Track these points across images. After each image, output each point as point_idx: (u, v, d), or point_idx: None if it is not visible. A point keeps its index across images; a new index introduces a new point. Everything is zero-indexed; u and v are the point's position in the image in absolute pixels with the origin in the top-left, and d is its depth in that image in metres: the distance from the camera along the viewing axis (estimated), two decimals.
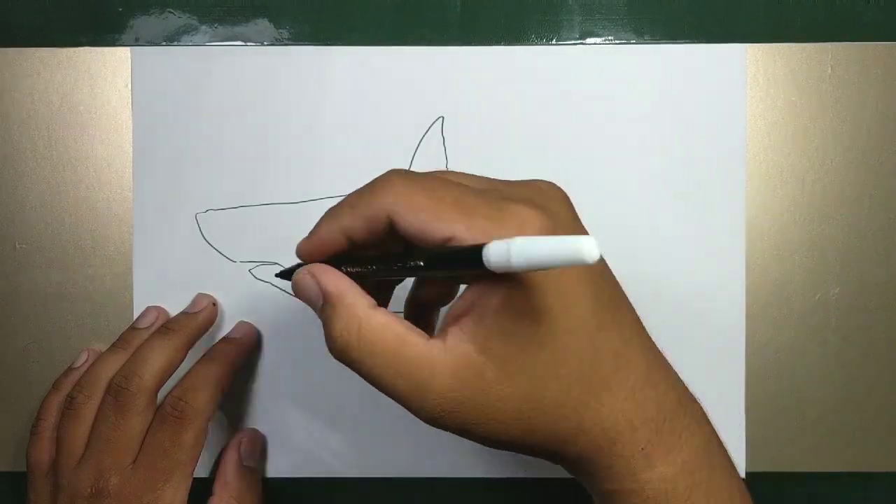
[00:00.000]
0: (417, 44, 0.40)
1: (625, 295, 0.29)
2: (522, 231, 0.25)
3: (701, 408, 0.30)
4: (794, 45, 0.39)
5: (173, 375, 0.37)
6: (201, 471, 0.39)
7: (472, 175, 0.28)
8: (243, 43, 0.40)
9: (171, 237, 0.40)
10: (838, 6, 0.40)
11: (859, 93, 0.39)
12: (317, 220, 0.29)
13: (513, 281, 0.25)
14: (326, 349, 0.28)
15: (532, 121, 0.39)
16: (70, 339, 0.40)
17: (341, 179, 0.39)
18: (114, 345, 0.38)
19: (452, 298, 0.32)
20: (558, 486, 0.40)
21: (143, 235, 0.40)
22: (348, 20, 0.40)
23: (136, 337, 0.38)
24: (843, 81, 0.40)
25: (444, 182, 0.27)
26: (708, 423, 0.30)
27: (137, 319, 0.39)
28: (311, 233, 0.28)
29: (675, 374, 0.30)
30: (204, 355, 0.38)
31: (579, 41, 0.40)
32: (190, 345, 0.38)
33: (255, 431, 0.40)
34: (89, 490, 0.35)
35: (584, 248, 0.21)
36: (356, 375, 0.40)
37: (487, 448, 0.40)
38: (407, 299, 0.32)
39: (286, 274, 0.31)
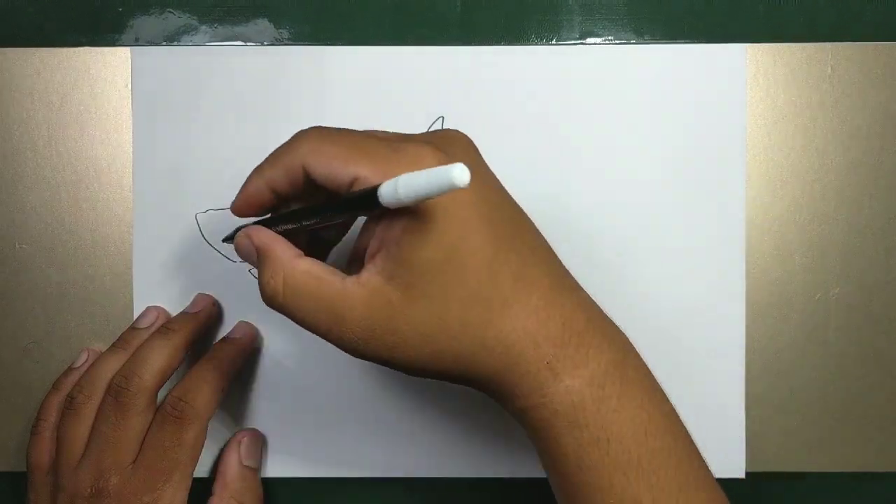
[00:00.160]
0: (417, 44, 0.40)
1: (529, 224, 0.31)
2: (417, 167, 0.26)
3: (619, 332, 0.31)
4: (794, 45, 0.39)
5: (173, 375, 0.37)
6: (201, 471, 0.39)
7: (392, 132, 0.31)
8: (243, 43, 0.40)
9: (171, 237, 0.40)
10: (838, 6, 0.40)
11: (859, 93, 0.39)
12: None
13: (411, 213, 0.27)
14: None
15: (532, 121, 0.39)
16: (70, 339, 0.40)
17: None
18: (114, 345, 0.38)
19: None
20: None
21: (143, 235, 0.40)
22: (348, 20, 0.40)
23: (136, 337, 0.38)
24: (843, 81, 0.40)
25: (353, 132, 0.30)
26: (623, 343, 0.31)
27: (137, 319, 0.39)
28: (240, 189, 0.31)
29: (588, 298, 0.31)
30: (204, 355, 0.38)
31: (579, 41, 0.40)
32: (190, 345, 0.38)
33: (255, 431, 0.40)
34: (89, 490, 0.35)
35: (456, 174, 0.24)
36: (356, 376, 0.40)
37: (487, 448, 0.40)
38: (350, 250, 0.33)
39: (229, 238, 0.35)
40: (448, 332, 0.28)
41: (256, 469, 0.39)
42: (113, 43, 0.40)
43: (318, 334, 0.30)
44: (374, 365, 0.40)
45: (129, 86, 0.40)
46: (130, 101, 0.40)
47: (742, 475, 0.39)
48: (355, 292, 0.29)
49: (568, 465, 0.29)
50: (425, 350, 0.29)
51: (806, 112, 0.40)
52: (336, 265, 0.31)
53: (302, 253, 0.30)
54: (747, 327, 0.39)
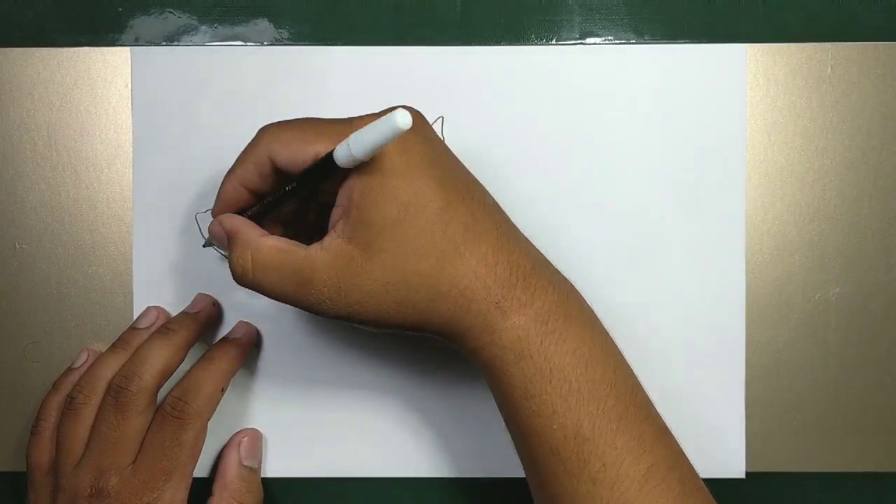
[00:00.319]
0: (417, 44, 0.40)
1: (478, 185, 0.34)
2: None
3: (563, 278, 0.34)
4: (794, 45, 0.39)
5: (173, 375, 0.37)
6: (201, 471, 0.39)
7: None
8: (243, 43, 0.40)
9: (171, 237, 0.40)
10: (838, 6, 0.40)
11: (859, 93, 0.39)
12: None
13: (367, 179, 0.30)
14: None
15: (532, 121, 0.39)
16: (70, 339, 0.40)
17: None
18: (114, 345, 0.38)
19: None
20: None
21: (143, 235, 0.40)
22: (348, 20, 0.40)
23: (136, 337, 0.38)
24: (843, 81, 0.40)
25: (309, 118, 0.33)
26: (567, 287, 0.34)
27: (137, 319, 0.39)
28: (217, 194, 0.34)
29: (535, 248, 0.34)
30: (204, 355, 0.38)
31: (579, 41, 0.40)
32: (190, 345, 0.38)
33: (255, 431, 0.40)
34: (89, 490, 0.35)
35: (398, 118, 0.27)
36: (356, 376, 0.40)
37: (487, 448, 0.40)
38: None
39: (209, 243, 0.38)
40: (407, 283, 0.31)
41: (256, 469, 0.39)
42: (113, 43, 0.40)
43: (287, 302, 0.32)
44: (374, 365, 0.40)
45: (129, 86, 0.40)
46: (130, 101, 0.40)
47: (742, 475, 0.39)
48: (319, 256, 0.31)
49: (515, 394, 0.32)
50: (387, 301, 0.31)
51: (806, 112, 0.40)
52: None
53: (266, 233, 0.33)
54: (747, 327, 0.39)
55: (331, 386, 0.40)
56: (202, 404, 0.36)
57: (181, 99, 0.40)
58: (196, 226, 0.40)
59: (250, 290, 0.33)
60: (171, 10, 0.40)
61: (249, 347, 0.39)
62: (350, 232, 0.31)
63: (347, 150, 0.29)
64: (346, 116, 0.33)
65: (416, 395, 0.40)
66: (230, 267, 0.32)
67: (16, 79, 0.40)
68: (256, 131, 0.33)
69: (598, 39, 0.40)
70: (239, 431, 0.40)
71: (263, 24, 0.40)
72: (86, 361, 0.39)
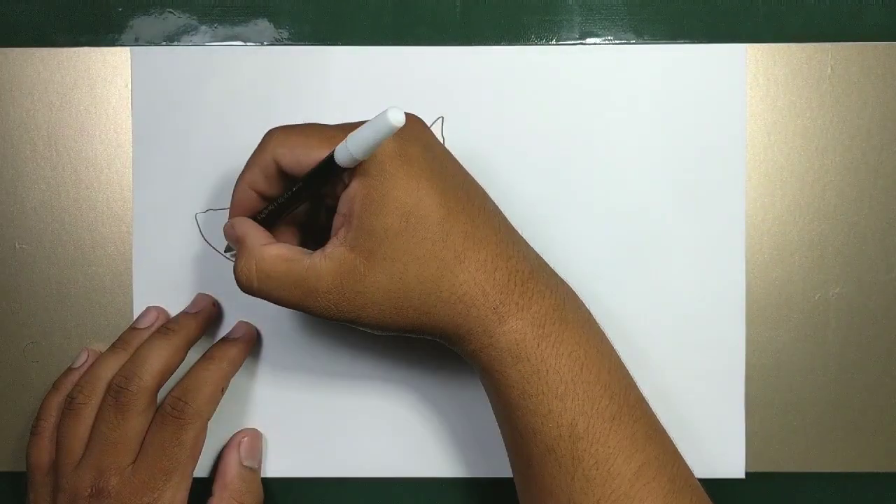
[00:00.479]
0: (417, 44, 0.40)
1: (479, 191, 0.34)
2: None
3: (561, 282, 0.34)
4: (794, 45, 0.39)
5: (173, 375, 0.37)
6: (201, 471, 0.39)
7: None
8: (243, 43, 0.40)
9: (171, 237, 0.40)
10: (838, 6, 0.40)
11: (859, 93, 0.39)
12: None
13: (369, 188, 0.31)
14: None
15: (532, 121, 0.39)
16: (70, 339, 0.40)
17: None
18: (114, 345, 0.38)
19: None
20: None
21: (143, 235, 0.40)
22: (348, 20, 0.40)
23: (136, 337, 0.38)
24: (843, 81, 0.40)
25: (314, 124, 0.34)
26: (564, 291, 0.34)
27: (137, 319, 0.39)
28: (231, 199, 0.35)
29: (534, 253, 0.34)
30: (204, 355, 0.38)
31: (579, 41, 0.40)
32: (190, 345, 0.38)
33: (255, 431, 0.40)
34: (89, 490, 0.35)
35: (391, 116, 0.27)
36: (357, 376, 0.40)
37: (487, 448, 0.40)
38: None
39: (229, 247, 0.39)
40: (408, 290, 0.32)
41: (256, 469, 0.39)
42: (113, 43, 0.40)
43: (291, 308, 0.33)
44: (374, 365, 0.40)
45: (129, 86, 0.40)
46: (130, 101, 0.40)
47: (742, 475, 0.39)
48: (323, 265, 0.32)
49: (512, 394, 0.32)
50: (389, 307, 0.32)
51: (806, 112, 0.40)
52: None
53: (273, 239, 0.34)
54: (747, 327, 0.39)
55: (331, 386, 0.40)
56: (202, 404, 0.36)
57: (181, 99, 0.40)
58: (196, 226, 0.40)
59: None
60: (171, 10, 0.40)
61: (249, 347, 0.39)
62: (352, 240, 0.31)
63: (346, 149, 0.30)
64: (347, 119, 0.34)
65: (416, 395, 0.40)
66: (235, 276, 0.33)
67: (16, 79, 0.40)
68: (263, 135, 0.34)
69: (598, 39, 0.40)
70: (239, 431, 0.40)
71: (263, 24, 0.40)
72: (86, 361, 0.39)
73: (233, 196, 0.35)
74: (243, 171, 0.34)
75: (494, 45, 0.40)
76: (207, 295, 0.40)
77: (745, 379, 0.39)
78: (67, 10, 0.40)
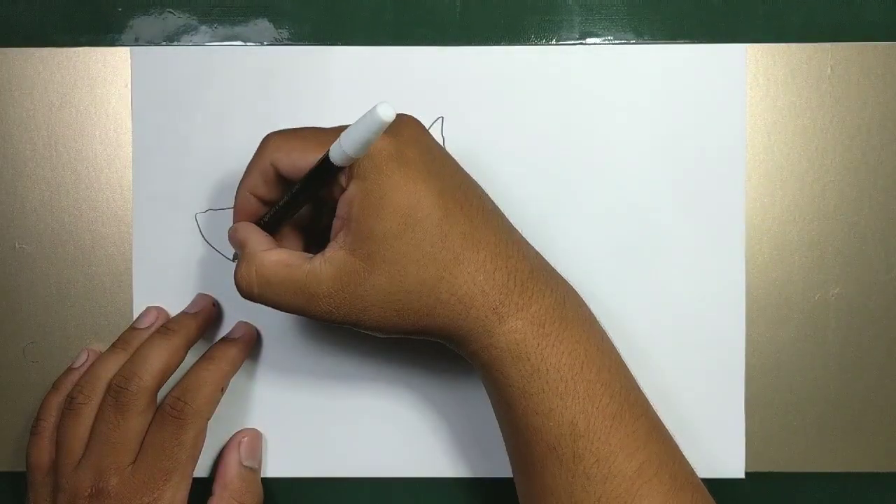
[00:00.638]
0: (417, 44, 0.40)
1: (478, 191, 0.34)
2: None
3: (561, 280, 0.34)
4: (794, 45, 0.39)
5: (173, 375, 0.37)
6: (201, 471, 0.39)
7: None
8: (243, 43, 0.40)
9: (171, 237, 0.40)
10: (838, 6, 0.40)
11: (859, 93, 0.39)
12: None
13: (366, 191, 0.31)
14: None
15: (532, 121, 0.39)
16: (70, 339, 0.40)
17: None
18: (114, 345, 0.38)
19: None
20: None
21: (143, 235, 0.40)
22: (348, 20, 0.40)
23: (135, 337, 0.38)
24: (843, 81, 0.40)
25: (310, 128, 0.34)
26: (564, 289, 0.34)
27: (137, 319, 0.39)
28: (234, 206, 0.35)
29: (533, 252, 0.34)
30: (204, 355, 0.38)
31: (579, 41, 0.40)
32: (190, 345, 0.38)
33: (255, 431, 0.40)
34: (89, 490, 0.35)
35: (380, 111, 0.28)
36: (357, 376, 0.40)
37: (488, 448, 0.40)
38: None
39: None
40: (408, 292, 0.32)
41: (256, 469, 0.39)
42: (113, 43, 0.40)
43: (296, 313, 0.33)
44: (374, 365, 0.40)
45: (129, 86, 0.40)
46: (130, 101, 0.40)
47: (742, 475, 0.39)
48: (323, 269, 0.32)
49: (512, 393, 0.32)
50: (389, 310, 0.32)
51: (806, 112, 0.40)
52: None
53: (273, 244, 0.34)
54: (747, 327, 0.39)
55: (331, 386, 0.40)
56: (202, 404, 0.36)
57: (181, 99, 0.40)
58: (196, 226, 0.40)
59: None
60: (171, 10, 0.40)
61: (249, 347, 0.39)
62: (351, 244, 0.32)
63: (340, 147, 0.30)
64: (348, 119, 0.33)
65: (416, 395, 0.40)
66: (235, 282, 0.33)
67: (16, 79, 0.40)
68: (262, 138, 0.34)
69: (598, 39, 0.40)
70: (239, 431, 0.40)
71: (263, 24, 0.40)
72: (86, 361, 0.39)
73: (235, 202, 0.35)
74: (243, 177, 0.35)
75: (494, 45, 0.40)
76: (207, 295, 0.40)
77: (745, 379, 0.39)
78: (67, 10, 0.40)
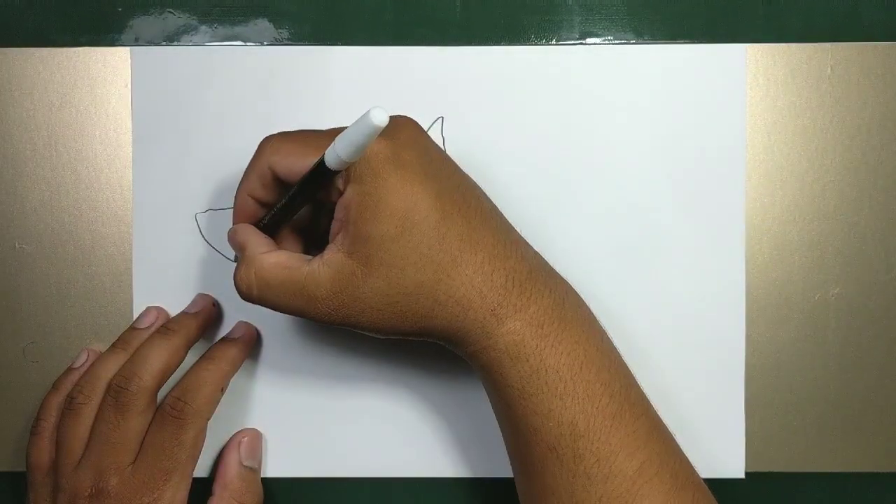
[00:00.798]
0: (417, 44, 0.40)
1: (476, 192, 0.34)
2: None
3: (560, 280, 0.34)
4: (794, 45, 0.39)
5: (173, 375, 0.37)
6: (201, 471, 0.39)
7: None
8: (243, 43, 0.40)
9: (171, 237, 0.40)
10: (838, 6, 0.40)
11: (859, 93, 0.39)
12: None
13: (364, 194, 0.31)
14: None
15: (532, 121, 0.39)
16: (70, 339, 0.40)
17: None
18: (114, 345, 0.38)
19: None
20: None
21: (143, 235, 0.40)
22: (348, 20, 0.40)
23: (135, 337, 0.38)
24: (843, 81, 0.40)
25: (307, 131, 0.34)
26: (563, 289, 0.34)
27: (137, 319, 0.39)
28: (233, 208, 0.35)
29: (532, 252, 0.34)
30: (204, 355, 0.38)
31: (579, 41, 0.40)
32: (190, 345, 0.38)
33: (255, 431, 0.40)
34: (89, 490, 0.35)
35: (373, 115, 0.28)
36: (356, 376, 0.40)
37: (488, 448, 0.40)
38: None
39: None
40: (406, 294, 0.32)
41: (256, 469, 0.39)
42: (113, 43, 0.40)
43: (295, 315, 0.33)
44: (374, 365, 0.40)
45: (129, 86, 0.40)
46: (130, 101, 0.40)
47: (742, 475, 0.39)
48: (321, 272, 0.32)
49: (512, 394, 0.32)
50: (388, 312, 0.32)
51: (806, 112, 0.40)
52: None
53: (273, 246, 0.34)
54: (747, 327, 0.39)
55: (331, 386, 0.40)
56: (202, 404, 0.36)
57: (181, 99, 0.40)
58: (196, 226, 0.40)
59: None
60: (171, 10, 0.40)
61: (249, 347, 0.39)
62: (349, 246, 0.32)
63: (334, 153, 0.30)
64: (347, 120, 0.33)
65: (416, 394, 0.40)
66: (235, 284, 0.33)
67: (16, 79, 0.40)
68: (260, 139, 0.34)
69: (598, 39, 0.40)
70: (239, 431, 0.40)
71: (263, 24, 0.40)
72: (86, 361, 0.39)
73: (234, 204, 0.35)
74: (242, 180, 0.35)
75: (494, 45, 0.40)
76: (207, 295, 0.40)
77: (745, 379, 0.39)
78: (67, 10, 0.40)
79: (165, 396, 0.37)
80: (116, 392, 0.36)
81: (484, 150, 0.39)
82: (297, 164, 0.33)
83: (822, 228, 0.40)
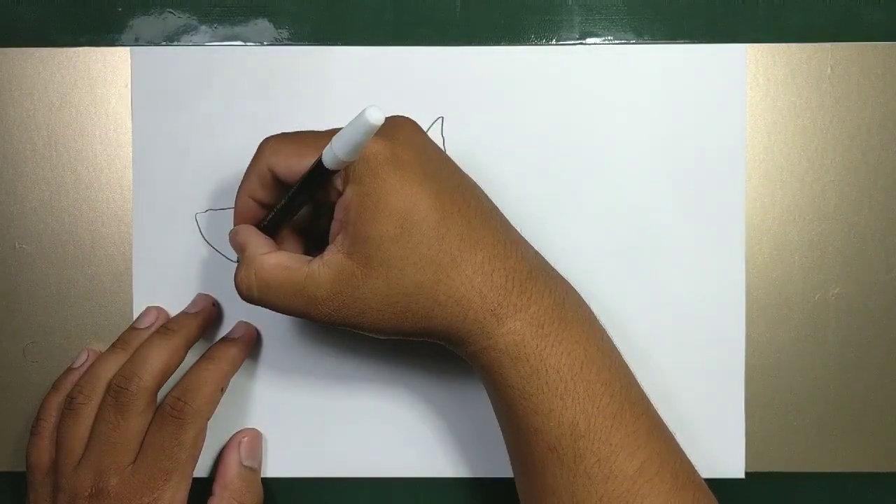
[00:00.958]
0: (417, 44, 0.40)
1: (476, 192, 0.34)
2: None
3: (560, 280, 0.34)
4: (794, 45, 0.39)
5: (173, 375, 0.37)
6: (201, 471, 0.39)
7: None
8: (243, 43, 0.40)
9: (171, 237, 0.40)
10: (838, 6, 0.40)
11: (859, 93, 0.39)
12: None
13: (363, 195, 0.31)
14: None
15: (532, 121, 0.39)
16: (70, 339, 0.40)
17: None
18: (113, 345, 0.38)
19: None
20: None
21: (143, 235, 0.40)
22: (348, 20, 0.40)
23: (135, 337, 0.38)
24: (843, 81, 0.40)
25: (306, 132, 0.34)
26: (563, 289, 0.34)
27: (137, 319, 0.39)
28: (234, 209, 0.35)
29: (532, 252, 0.34)
30: (204, 355, 0.38)
31: (579, 41, 0.40)
32: (190, 345, 0.38)
33: (255, 431, 0.40)
34: (89, 490, 0.35)
35: (369, 114, 0.28)
36: (356, 376, 0.40)
37: (488, 448, 0.40)
38: None
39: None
40: (406, 295, 0.32)
41: (256, 469, 0.39)
42: (113, 43, 0.40)
43: (296, 315, 0.33)
44: (374, 365, 0.40)
45: (129, 86, 0.40)
46: (130, 101, 0.40)
47: (742, 475, 0.39)
48: (322, 273, 0.32)
49: (512, 394, 0.32)
50: (388, 312, 0.32)
51: (806, 112, 0.40)
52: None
53: (273, 247, 0.34)
54: (747, 327, 0.39)
55: (331, 386, 0.40)
56: (202, 404, 0.36)
57: (181, 99, 0.40)
58: (196, 226, 0.40)
59: None
60: (171, 10, 0.40)
61: (249, 347, 0.39)
62: (349, 247, 0.32)
63: (332, 152, 0.30)
64: (346, 120, 0.33)
65: (416, 395, 0.40)
66: (235, 285, 0.33)
67: (16, 79, 0.40)
68: (260, 140, 0.34)
69: (598, 39, 0.40)
70: (239, 431, 0.40)
71: (263, 24, 0.40)
72: (86, 361, 0.39)
73: (235, 205, 0.35)
74: (242, 182, 0.35)
75: (494, 45, 0.40)
76: (207, 295, 0.40)
77: (745, 379, 0.39)
78: (67, 10, 0.40)
79: (165, 396, 0.37)
80: (116, 392, 0.36)
81: (484, 150, 0.39)
82: (296, 164, 0.33)
83: (822, 228, 0.40)
